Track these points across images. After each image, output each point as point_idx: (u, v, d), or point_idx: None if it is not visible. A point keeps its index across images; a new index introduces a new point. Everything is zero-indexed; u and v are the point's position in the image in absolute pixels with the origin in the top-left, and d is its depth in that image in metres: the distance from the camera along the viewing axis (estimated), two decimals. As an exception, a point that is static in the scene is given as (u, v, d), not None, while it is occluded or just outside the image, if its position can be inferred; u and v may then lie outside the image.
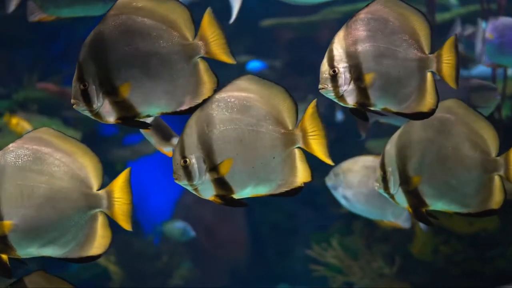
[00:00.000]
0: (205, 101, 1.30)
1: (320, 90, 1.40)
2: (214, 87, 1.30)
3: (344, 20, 5.07)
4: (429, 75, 1.39)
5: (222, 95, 1.30)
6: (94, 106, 1.25)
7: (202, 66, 1.30)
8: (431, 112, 1.39)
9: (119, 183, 1.29)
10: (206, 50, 1.28)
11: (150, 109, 1.29)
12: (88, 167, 1.31)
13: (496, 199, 1.45)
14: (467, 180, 1.42)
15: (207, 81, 1.30)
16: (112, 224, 5.01)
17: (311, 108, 1.33)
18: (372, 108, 1.40)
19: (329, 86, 1.37)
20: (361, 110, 1.39)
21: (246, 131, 1.28)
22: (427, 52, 1.40)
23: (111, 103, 1.26)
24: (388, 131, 4.57)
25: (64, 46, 4.84)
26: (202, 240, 5.12)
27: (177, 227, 4.26)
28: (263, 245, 5.24)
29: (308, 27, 4.65)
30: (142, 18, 1.25)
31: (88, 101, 1.25)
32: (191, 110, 1.29)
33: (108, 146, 4.73)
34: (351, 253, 3.67)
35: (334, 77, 1.37)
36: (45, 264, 4.16)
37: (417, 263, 3.39)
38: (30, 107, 4.31)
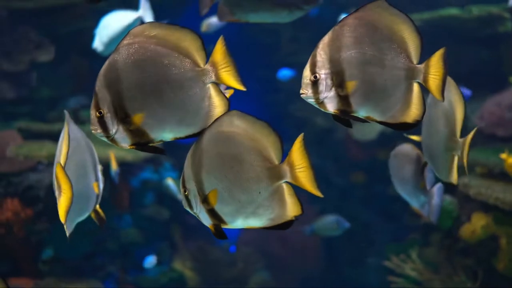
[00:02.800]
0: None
1: (301, 95, 1.37)
2: (226, 110, 1.33)
3: (423, 27, 5.01)
4: (415, 86, 1.35)
5: (212, 131, 1.32)
6: (110, 132, 1.30)
7: (213, 91, 1.32)
8: (415, 124, 1.35)
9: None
10: (217, 76, 1.31)
11: (164, 135, 1.32)
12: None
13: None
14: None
15: (218, 105, 1.33)
16: (190, 232, 5.08)
17: (298, 142, 1.31)
18: (354, 115, 1.36)
19: (309, 92, 1.35)
20: (343, 117, 1.37)
21: (230, 166, 1.30)
22: (415, 62, 1.35)
23: (126, 130, 1.30)
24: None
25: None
26: (276, 248, 5.12)
27: (329, 221, 4.17)
28: (337, 255, 5.20)
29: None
30: (155, 46, 1.28)
31: (104, 127, 1.29)
32: (196, 135, 1.33)
33: (187, 152, 4.83)
34: (431, 265, 3.58)
35: (315, 83, 1.34)
36: (125, 268, 4.28)
37: (502, 279, 3.27)
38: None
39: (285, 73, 4.74)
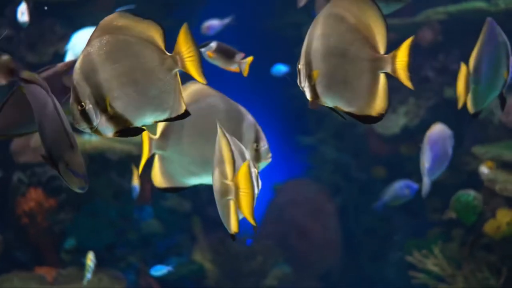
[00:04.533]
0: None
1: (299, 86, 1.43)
2: (183, 101, 1.38)
3: (447, 21, 4.92)
4: (382, 77, 1.33)
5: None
6: (94, 123, 1.34)
7: (178, 80, 1.38)
8: (380, 117, 1.35)
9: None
10: (182, 64, 1.36)
11: (144, 119, 1.36)
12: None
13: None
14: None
15: (180, 95, 1.38)
16: (210, 224, 5.08)
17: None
18: (326, 105, 1.39)
19: (298, 81, 1.42)
20: (315, 107, 1.41)
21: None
22: (382, 51, 1.34)
23: (108, 119, 1.34)
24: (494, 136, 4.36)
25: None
26: (295, 241, 5.11)
27: (398, 188, 3.99)
28: (357, 249, 5.17)
29: (411, 28, 4.54)
30: (124, 36, 1.33)
31: (87, 119, 1.33)
32: (183, 116, 1.38)
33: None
34: (453, 261, 3.54)
35: (298, 74, 1.41)
36: (146, 259, 4.30)
37: (526, 276, 3.22)
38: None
39: (279, 68, 4.74)
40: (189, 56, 1.35)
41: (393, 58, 1.34)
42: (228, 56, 1.95)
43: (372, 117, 1.36)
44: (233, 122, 1.54)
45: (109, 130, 1.35)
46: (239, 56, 1.95)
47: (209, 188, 4.89)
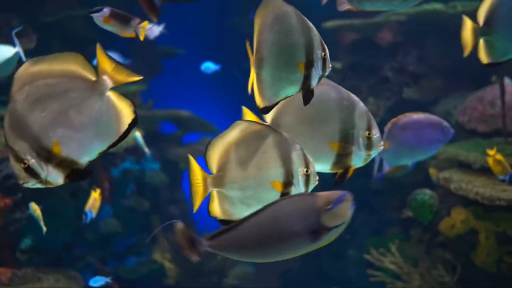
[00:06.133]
0: (131, 126, 1.36)
1: None
2: (133, 109, 1.36)
3: (406, 22, 4.98)
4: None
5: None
6: (42, 176, 1.32)
7: (114, 97, 1.35)
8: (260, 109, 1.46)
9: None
10: (112, 81, 1.34)
11: (90, 155, 1.35)
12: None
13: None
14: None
15: (124, 107, 1.36)
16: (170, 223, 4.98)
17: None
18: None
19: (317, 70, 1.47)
20: None
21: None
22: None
23: (54, 167, 1.32)
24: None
25: (128, 43, 4.93)
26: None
27: None
28: (317, 248, 5.20)
29: (371, 28, 4.60)
30: (44, 80, 1.31)
31: (34, 175, 1.31)
32: (124, 137, 1.36)
33: (168, 144, 4.80)
34: (410, 259, 3.59)
35: (319, 62, 1.47)
36: (104, 259, 4.25)
37: (479, 273, 3.29)
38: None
39: (208, 66, 4.75)
40: (114, 68, 1.34)
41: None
42: (124, 21, 1.92)
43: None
44: (345, 111, 1.51)
45: (59, 177, 1.33)
46: (134, 21, 1.93)
47: (168, 186, 4.83)
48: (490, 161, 2.81)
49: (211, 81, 5.94)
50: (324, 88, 1.53)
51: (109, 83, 1.34)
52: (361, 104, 1.53)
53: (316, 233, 1.35)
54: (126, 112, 1.36)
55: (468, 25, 1.75)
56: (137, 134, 4.05)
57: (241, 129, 1.48)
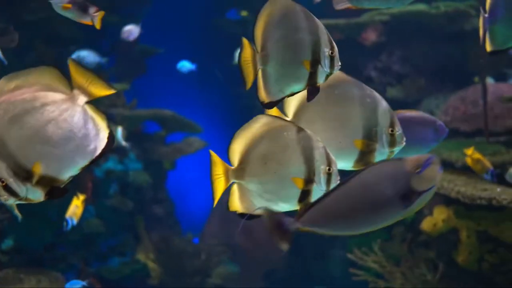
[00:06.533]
0: (111, 140, 1.35)
1: None
2: (107, 124, 1.35)
3: (390, 22, 5.00)
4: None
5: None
6: (21, 194, 1.30)
7: (91, 110, 1.34)
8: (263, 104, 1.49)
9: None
10: (87, 94, 1.33)
11: (70, 171, 1.33)
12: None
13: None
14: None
15: (100, 121, 1.35)
16: (154, 223, 5.03)
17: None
18: None
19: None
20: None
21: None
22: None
23: (34, 185, 1.30)
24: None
25: (111, 44, 4.91)
26: (240, 240, 5.11)
27: None
28: (301, 247, 5.21)
29: (355, 28, 4.61)
30: (21, 96, 1.30)
31: (13, 193, 1.30)
32: (104, 152, 1.35)
33: (152, 144, 4.78)
34: (393, 258, 3.61)
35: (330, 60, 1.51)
36: (87, 259, 4.22)
37: (461, 271, 3.31)
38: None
39: (183, 65, 4.75)
40: (89, 82, 1.32)
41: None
42: (82, 9, 1.94)
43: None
44: (368, 108, 1.51)
45: (39, 194, 1.31)
46: (92, 9, 1.95)
47: (152, 186, 4.81)
48: (469, 161, 2.83)
49: (194, 80, 5.93)
50: (347, 86, 1.53)
51: (85, 96, 1.32)
52: (384, 101, 1.54)
53: (408, 197, 1.31)
54: (103, 125, 1.34)
55: (481, 16, 1.77)
56: (118, 128, 4.04)
57: (264, 123, 1.47)
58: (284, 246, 1.35)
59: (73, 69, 1.32)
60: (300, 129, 1.44)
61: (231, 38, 5.74)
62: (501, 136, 3.33)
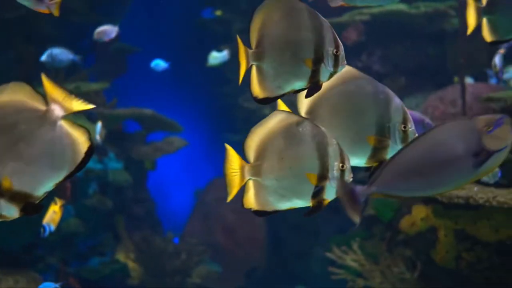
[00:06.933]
0: (88, 155, 1.33)
1: None
2: (88, 136, 1.33)
3: (370, 22, 5.02)
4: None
5: None
6: None
7: (68, 124, 1.32)
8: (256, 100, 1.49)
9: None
10: (63, 109, 1.31)
11: (45, 187, 1.30)
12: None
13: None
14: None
15: (79, 136, 1.32)
16: (134, 222, 4.99)
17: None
18: None
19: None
20: None
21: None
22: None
23: (8, 200, 1.28)
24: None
25: (91, 42, 4.88)
26: (221, 239, 5.11)
27: None
28: (282, 246, 5.22)
29: (335, 28, 4.62)
30: None
31: None
32: (80, 168, 1.33)
33: (132, 143, 4.76)
34: (371, 256, 3.62)
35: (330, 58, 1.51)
36: (66, 260, 4.19)
37: (439, 270, 3.33)
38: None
39: (157, 63, 4.74)
40: (64, 96, 1.31)
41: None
42: None
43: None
44: (381, 104, 1.50)
45: (13, 210, 1.28)
46: None
47: (132, 186, 4.76)
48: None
49: (175, 80, 5.92)
50: (360, 82, 1.53)
51: (60, 112, 1.30)
52: (397, 98, 1.53)
53: (479, 156, 1.26)
54: (81, 140, 1.32)
55: (471, 5, 1.77)
56: (98, 124, 4.02)
57: (280, 119, 1.47)
58: (356, 218, 1.30)
59: (47, 85, 1.30)
60: (315, 126, 1.45)
61: (212, 37, 5.74)
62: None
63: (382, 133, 1.49)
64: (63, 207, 3.36)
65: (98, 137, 3.96)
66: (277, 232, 5.23)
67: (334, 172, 1.41)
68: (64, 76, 4.59)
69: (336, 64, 1.44)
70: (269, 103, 1.48)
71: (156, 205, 5.07)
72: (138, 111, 4.75)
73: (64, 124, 1.30)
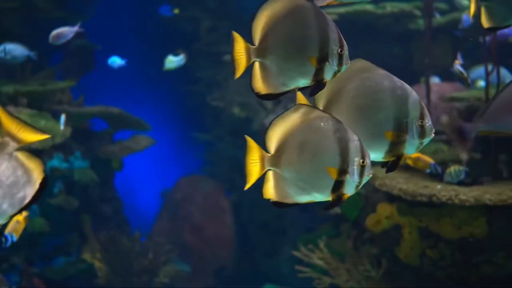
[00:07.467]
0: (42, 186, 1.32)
1: None
2: (43, 169, 1.32)
3: (337, 22, 5.04)
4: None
5: None
6: None
7: (23, 156, 1.31)
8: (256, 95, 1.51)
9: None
10: (17, 141, 1.31)
11: (3, 218, 1.29)
12: None
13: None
14: None
15: (34, 167, 1.32)
16: (100, 222, 4.94)
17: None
18: None
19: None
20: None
21: None
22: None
23: None
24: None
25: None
26: (190, 238, 5.09)
27: None
28: (251, 245, 5.22)
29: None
30: None
31: None
32: (35, 200, 1.32)
33: (99, 142, 4.71)
34: (338, 255, 3.65)
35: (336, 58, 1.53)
36: (30, 260, 4.13)
37: (404, 267, 3.37)
38: (20, 101, 4.28)
39: (114, 60, 4.73)
40: (19, 128, 1.30)
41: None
42: None
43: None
44: (399, 100, 1.51)
45: None
46: None
47: (98, 184, 4.70)
48: (410, 162, 2.88)
49: (143, 78, 5.88)
50: (378, 77, 1.54)
51: (14, 143, 1.29)
52: (414, 93, 1.54)
53: None
54: (36, 172, 1.31)
55: None
56: (62, 116, 3.97)
57: (302, 113, 1.47)
58: (464, 155, 1.35)
59: (2, 116, 1.29)
60: (337, 121, 1.46)
61: (181, 35, 5.71)
62: (443, 135, 3.40)
63: (400, 128, 1.50)
64: (27, 218, 3.30)
65: (62, 127, 3.91)
66: (245, 231, 5.23)
67: (355, 167, 1.43)
68: (30, 74, 4.52)
69: (340, 63, 1.46)
70: (271, 99, 1.50)
71: (123, 204, 5.03)
72: (105, 109, 4.71)
73: (19, 156, 1.30)
